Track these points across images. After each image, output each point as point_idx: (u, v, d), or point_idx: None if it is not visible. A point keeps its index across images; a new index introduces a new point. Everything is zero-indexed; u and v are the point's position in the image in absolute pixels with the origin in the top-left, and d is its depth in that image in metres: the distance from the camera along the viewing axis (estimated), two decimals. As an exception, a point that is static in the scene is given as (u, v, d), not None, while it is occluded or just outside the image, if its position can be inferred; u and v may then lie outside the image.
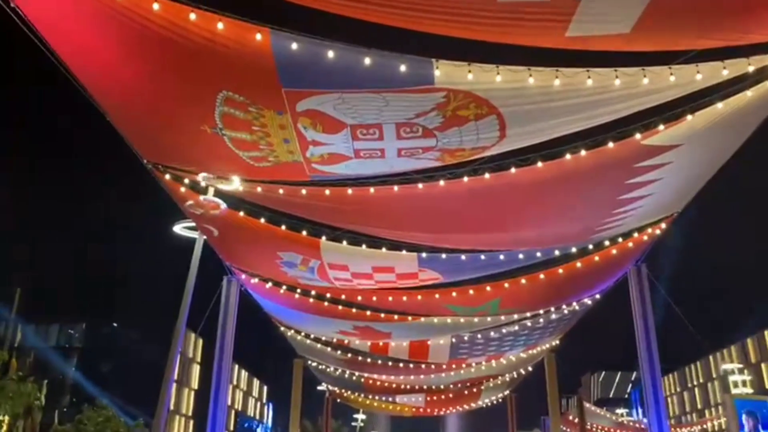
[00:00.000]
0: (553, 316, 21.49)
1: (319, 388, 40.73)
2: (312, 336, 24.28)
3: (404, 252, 13.84)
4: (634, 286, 18.32)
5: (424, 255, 13.84)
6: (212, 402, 18.94)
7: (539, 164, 10.52)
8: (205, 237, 17.88)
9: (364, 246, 13.71)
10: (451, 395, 34.11)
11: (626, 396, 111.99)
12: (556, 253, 14.45)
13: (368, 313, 19.34)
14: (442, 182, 10.96)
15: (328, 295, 17.88)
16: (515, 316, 20.19)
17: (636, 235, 14.80)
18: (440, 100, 8.50)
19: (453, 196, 11.26)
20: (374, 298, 17.37)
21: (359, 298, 17.49)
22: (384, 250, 13.76)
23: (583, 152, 10.35)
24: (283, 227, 13.40)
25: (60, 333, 69.17)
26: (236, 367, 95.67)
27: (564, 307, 20.63)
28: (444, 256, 13.84)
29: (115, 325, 71.30)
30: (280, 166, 10.29)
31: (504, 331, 22.00)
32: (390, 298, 17.24)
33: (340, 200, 11.75)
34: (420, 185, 11.06)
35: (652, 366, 17.80)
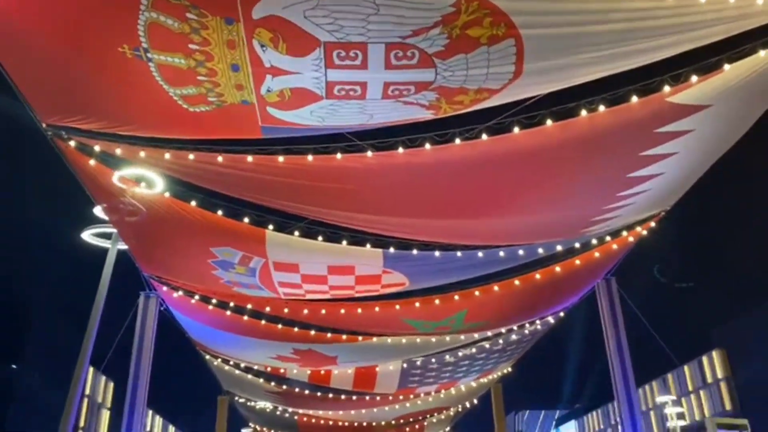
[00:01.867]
0: (513, 337, 19.57)
1: (244, 430, 37.03)
2: (242, 365, 21.21)
3: (368, 247, 11.47)
4: (603, 299, 17.02)
5: (391, 250, 11.52)
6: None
7: (548, 123, 8.55)
8: (119, 245, 14.99)
9: (320, 239, 11.25)
10: (392, 433, 31.38)
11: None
12: (539, 252, 12.48)
13: (312, 332, 16.70)
14: (428, 146, 8.78)
15: (267, 309, 15.16)
16: (475, 336, 18.08)
17: (624, 233, 13.10)
18: (448, 9, 6.39)
19: (440, 167, 9.10)
20: (323, 311, 14.81)
21: (305, 311, 14.88)
22: (344, 244, 11.34)
23: (601, 108, 8.49)
24: (220, 213, 10.77)
25: (-52, 377, 61.48)
26: (150, 412, 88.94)
27: (527, 325, 18.75)
28: (415, 252, 11.57)
29: (13, 367, 64.28)
30: (223, 111, 7.82)
31: (460, 354, 19.83)
32: (342, 311, 14.72)
33: (296, 172, 9.33)
34: (400, 150, 8.83)
35: (626, 380, 16.34)
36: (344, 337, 17.01)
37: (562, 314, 18.99)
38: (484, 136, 8.65)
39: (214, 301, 15.41)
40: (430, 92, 7.45)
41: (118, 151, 9.62)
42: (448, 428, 36.25)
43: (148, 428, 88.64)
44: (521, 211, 10.34)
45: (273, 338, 17.01)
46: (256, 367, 21.05)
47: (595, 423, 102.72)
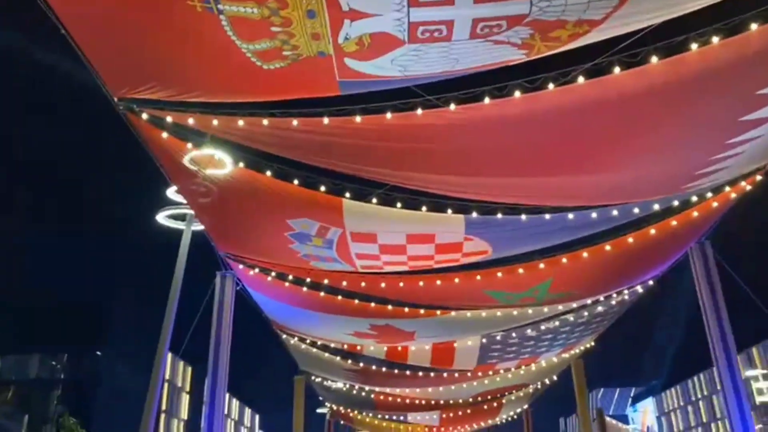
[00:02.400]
0: (599, 309, 18.58)
1: (318, 410, 37.34)
2: (319, 343, 21.08)
3: (449, 213, 10.84)
4: (698, 263, 15.88)
5: (474, 215, 10.84)
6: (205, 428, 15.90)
7: (653, 60, 7.66)
8: (194, 225, 14.93)
9: (399, 205, 10.70)
10: (469, 411, 30.84)
11: (625, 413, 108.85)
12: (635, 212, 11.52)
13: (389, 307, 16.27)
14: (518, 94, 8.04)
15: (344, 283, 14.80)
16: (559, 308, 17.21)
17: (727, 189, 11.97)
18: None
19: (531, 118, 8.34)
20: (401, 284, 14.31)
21: (382, 285, 14.43)
22: (424, 210, 10.75)
23: (714, 40, 7.53)
24: (296, 182, 10.37)
25: (41, 364, 64.95)
26: (227, 395, 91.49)
27: (614, 295, 17.73)
28: (500, 216, 10.86)
29: (98, 353, 67.30)
30: (298, 66, 7.33)
31: (543, 327, 19.01)
32: (420, 283, 14.19)
33: (374, 133, 8.79)
34: (487, 100, 8.12)
35: (726, 346, 15.21)
36: (422, 311, 16.50)
37: (651, 283, 17.89)
38: (581, 80, 7.84)
39: (290, 277, 15.18)
40: (524, 27, 6.71)
41: (191, 121, 9.32)
42: (526, 406, 35.45)
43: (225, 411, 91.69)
44: (620, 166, 9.45)
45: (350, 314, 16.69)
46: (333, 345, 20.87)
47: (673, 400, 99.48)
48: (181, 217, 15.53)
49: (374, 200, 10.62)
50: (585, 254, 13.22)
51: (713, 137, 9.11)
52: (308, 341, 21.13)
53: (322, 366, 24.23)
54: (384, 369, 22.21)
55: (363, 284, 14.51)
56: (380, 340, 19.12)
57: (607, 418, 39.76)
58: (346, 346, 20.77)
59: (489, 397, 29.04)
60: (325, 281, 14.81)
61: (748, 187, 12.40)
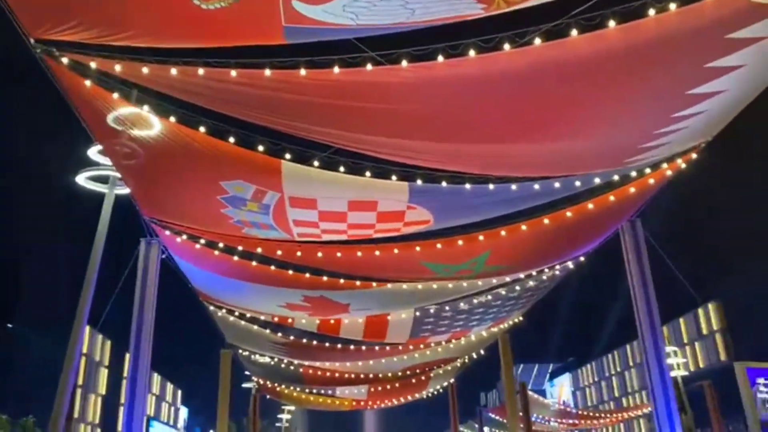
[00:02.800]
0: (531, 283, 18.84)
1: (244, 385, 36.67)
2: (248, 315, 20.42)
3: (394, 180, 10.47)
4: (628, 241, 16.29)
5: (419, 183, 10.51)
6: (126, 411, 15.06)
7: (611, 24, 7.48)
8: (117, 188, 13.94)
9: (341, 170, 10.22)
10: (397, 384, 30.98)
11: (543, 388, 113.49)
12: (577, 185, 11.52)
13: (324, 278, 15.84)
14: (472, 53, 7.69)
15: (279, 252, 14.23)
16: (493, 281, 17.30)
17: (665, 165, 12.16)
18: None
19: (484, 80, 8.03)
20: (338, 254, 13.89)
21: (319, 254, 13.96)
22: (368, 176, 10.33)
23: (672, 6, 7.41)
24: (231, 140, 9.70)
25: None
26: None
27: (546, 270, 17.99)
28: (444, 184, 10.58)
29: (9, 326, 63.67)
30: (241, 8, 6.69)
31: (475, 301, 19.11)
32: (359, 253, 13.82)
33: (319, 89, 8.25)
34: (440, 58, 7.74)
35: (651, 319, 15.75)
36: (358, 283, 16.18)
37: (582, 259, 18.24)
38: (537, 41, 7.58)
39: (220, 245, 14.47)
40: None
41: (118, 68, 8.50)
42: (452, 380, 36.01)
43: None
44: (569, 134, 9.32)
45: (283, 285, 16.16)
46: (262, 318, 20.27)
47: (588, 376, 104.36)
48: (103, 179, 14.50)
49: (316, 163, 10.10)
50: (524, 227, 13.20)
51: (661, 109, 9.10)
52: (237, 313, 20.43)
53: (250, 339, 23.59)
54: (315, 342, 21.81)
55: (299, 254, 14.00)
56: (313, 312, 18.70)
57: (529, 392, 40.98)
58: (276, 319, 20.21)
59: (417, 371, 29.23)
60: (258, 250, 14.19)
61: (683, 165, 12.67)
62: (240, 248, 14.26)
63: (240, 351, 26.60)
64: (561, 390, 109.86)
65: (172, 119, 9.42)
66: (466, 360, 30.60)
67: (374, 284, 16.30)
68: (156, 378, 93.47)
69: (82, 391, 65.54)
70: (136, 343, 15.56)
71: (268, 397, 37.69)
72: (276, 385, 32.51)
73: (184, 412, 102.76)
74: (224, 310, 20.43)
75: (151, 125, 9.70)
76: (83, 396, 65.92)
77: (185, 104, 9.35)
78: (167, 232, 14.55)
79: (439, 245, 13.47)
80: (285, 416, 67.29)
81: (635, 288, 16.16)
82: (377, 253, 13.76)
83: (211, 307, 20.39)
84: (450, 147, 9.36)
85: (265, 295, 17.09)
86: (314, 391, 32.91)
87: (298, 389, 33.03)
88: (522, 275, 17.67)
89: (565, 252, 15.92)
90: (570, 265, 18.54)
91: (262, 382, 32.87)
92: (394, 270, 15.19)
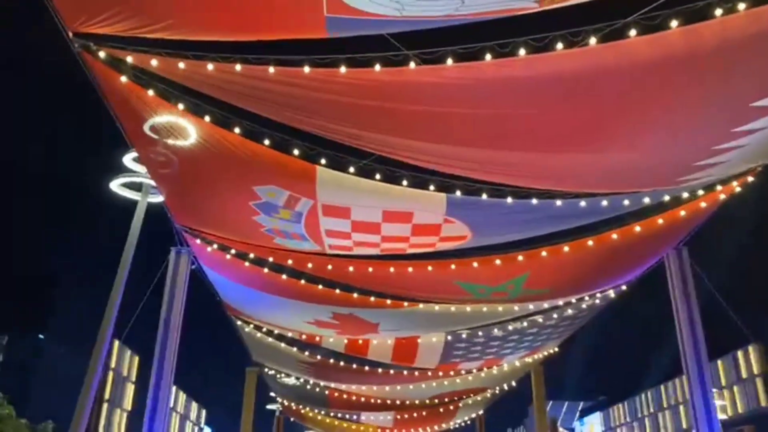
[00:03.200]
0: (569, 312, 18.06)
1: (269, 407, 36.12)
2: (276, 332, 20.03)
3: (431, 190, 10.02)
4: (674, 269, 15.51)
5: (457, 194, 10.04)
6: (147, 427, 14.68)
7: (673, 25, 6.98)
8: (150, 197, 13.80)
9: (378, 177, 9.82)
10: (424, 413, 30.10)
11: (572, 427, 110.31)
12: (625, 204, 10.91)
13: (355, 295, 15.39)
14: (523, 52, 7.27)
15: (309, 265, 13.85)
16: (530, 307, 16.60)
17: (719, 188, 11.49)
18: None
19: (532, 83, 7.59)
20: (370, 269, 13.43)
21: (350, 269, 13.52)
22: (405, 185, 9.91)
23: (741, 6, 6.89)
24: (266, 143, 9.40)
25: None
26: (174, 388, 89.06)
27: (586, 298, 17.23)
28: (484, 197, 10.09)
29: (40, 336, 64.42)
30: (283, -5, 6.41)
31: (510, 328, 18.39)
32: (391, 269, 13.34)
33: (359, 89, 7.90)
34: (488, 57, 7.33)
35: (698, 356, 14.88)
36: (389, 302, 15.67)
37: (624, 288, 17.45)
38: (593, 41, 7.12)
39: (251, 256, 14.17)
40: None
41: (154, 63, 8.30)
42: (481, 411, 34.95)
43: (171, 404, 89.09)
44: (619, 146, 8.77)
45: (312, 300, 15.75)
46: (290, 335, 19.85)
47: (620, 416, 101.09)
48: (136, 187, 14.38)
49: (351, 170, 9.73)
50: (566, 248, 12.59)
51: (721, 122, 8.51)
52: (264, 329, 20.06)
53: (276, 357, 23.17)
54: (342, 363, 21.28)
55: (329, 267, 13.59)
56: (341, 330, 18.22)
57: (559, 428, 39.65)
58: (304, 336, 19.77)
59: (446, 399, 28.38)
60: (289, 262, 13.84)
61: (738, 189, 11.97)
62: (270, 260, 13.92)
63: (266, 370, 26.18)
64: (591, 429, 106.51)
65: (207, 119, 9.17)
66: (497, 391, 29.61)
67: (406, 304, 15.76)
68: (181, 396, 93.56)
69: (108, 406, 65.79)
70: (161, 356, 15.22)
71: (292, 419, 37.05)
72: (300, 407, 31.91)
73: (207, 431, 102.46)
74: (252, 326, 20.09)
75: (187, 133, 9.52)
76: (109, 410, 66.14)
77: (221, 104, 9.11)
78: (198, 241, 14.32)
79: (475, 264, 12.93)
80: (309, 441, 66.35)
81: (681, 321, 15.33)
82: (410, 269, 13.27)
83: (239, 322, 20.07)
84: (493, 154, 8.89)
85: (294, 310, 16.69)
86: (339, 415, 32.17)
87: (322, 413, 32.35)
88: (561, 302, 16.95)
89: (607, 279, 15.20)
90: (611, 294, 17.76)
91: (286, 403, 32.32)
92: (427, 289, 14.65)
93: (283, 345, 20.68)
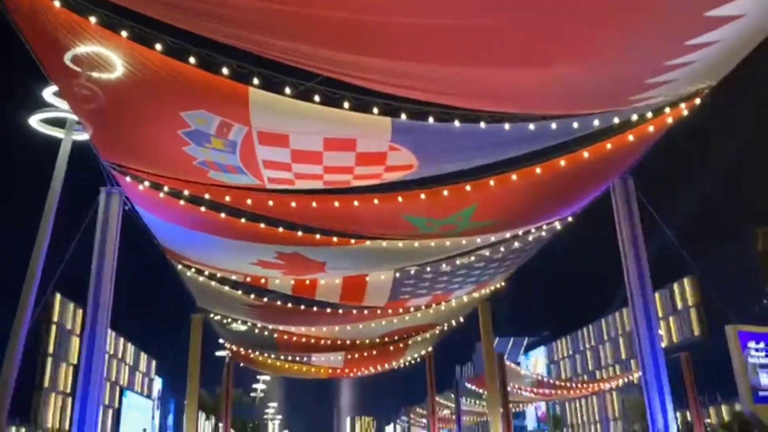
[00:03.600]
0: (516, 245, 18.00)
1: (218, 353, 35.66)
2: (219, 275, 19.35)
3: (375, 113, 9.39)
4: (620, 199, 15.48)
5: (403, 118, 9.45)
6: (83, 373, 13.89)
7: None
8: (75, 133, 12.71)
9: (317, 99, 9.11)
10: (374, 352, 30.22)
11: (518, 362, 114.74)
12: (575, 126, 10.55)
13: (299, 233, 14.81)
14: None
15: (249, 201, 13.13)
16: (477, 240, 16.41)
17: (667, 110, 11.26)
18: None
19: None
20: (314, 204, 12.84)
21: (293, 204, 12.89)
22: (346, 107, 9.23)
23: None
24: (192, 61, 8.53)
25: None
26: (121, 340, 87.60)
27: (532, 230, 17.15)
28: (431, 120, 9.53)
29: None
30: None
31: (458, 263, 18.25)
32: (336, 203, 12.77)
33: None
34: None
35: (643, 283, 14.96)
36: (335, 239, 15.18)
37: (569, 219, 17.43)
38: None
39: (185, 193, 13.33)
40: None
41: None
42: (430, 348, 35.44)
43: (119, 355, 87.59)
44: (572, 58, 8.30)
45: (254, 240, 15.12)
46: (234, 278, 19.23)
47: (563, 349, 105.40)
48: (59, 123, 13.24)
49: (287, 91, 8.98)
50: (514, 177, 12.25)
51: (676, 34, 8.11)
52: (207, 273, 19.35)
53: (221, 302, 22.57)
54: (289, 305, 20.86)
55: (270, 203, 12.91)
56: (287, 271, 17.69)
57: (508, 364, 40.75)
58: (249, 279, 19.18)
59: (395, 337, 28.50)
60: (227, 199, 13.09)
61: (686, 112, 11.77)
62: (207, 196, 13.13)
63: (212, 316, 25.57)
64: (536, 363, 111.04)
65: (124, 35, 8.24)
66: (445, 328, 29.92)
67: (353, 241, 15.31)
68: (129, 348, 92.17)
69: (53, 360, 64.18)
70: (94, 304, 14.39)
71: (242, 365, 36.80)
72: (249, 352, 31.59)
73: (158, 382, 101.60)
74: (193, 270, 19.35)
75: (110, 61, 8.62)
76: (54, 365, 64.59)
77: (139, 17, 8.18)
78: (128, 179, 13.37)
79: (422, 195, 12.48)
80: (260, 386, 66.81)
81: (626, 253, 15.38)
82: (356, 203, 12.73)
83: (179, 266, 19.28)
84: (442, 70, 8.29)
85: (235, 251, 16.03)
86: (289, 358, 32.04)
87: (272, 356, 32.15)
88: (508, 234, 16.82)
89: (554, 208, 15.06)
90: (557, 226, 17.73)
91: (235, 349, 31.93)
92: (374, 224, 14.19)
93: (226, 288, 20.05)
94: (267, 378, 63.35)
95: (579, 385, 49.23)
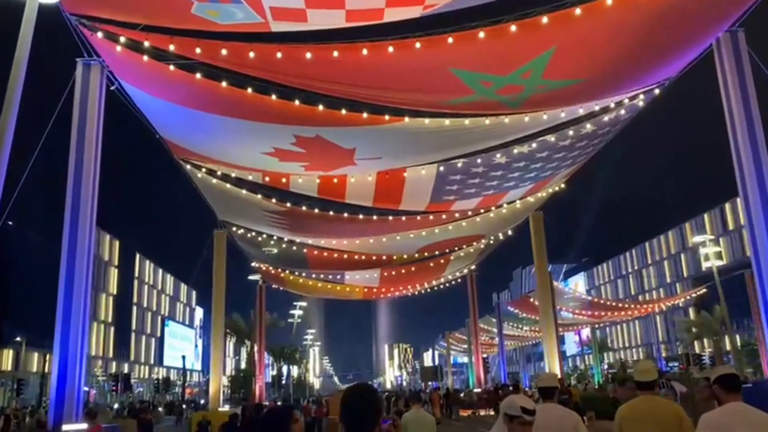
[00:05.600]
0: (588, 127, 14.64)
1: (251, 277, 33.53)
2: (233, 175, 16.51)
3: None
4: (726, 58, 12.21)
5: None
6: (65, 278, 11.42)
7: None
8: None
9: None
10: (413, 268, 27.51)
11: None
12: None
13: (320, 107, 11.70)
14: None
15: (252, 54, 9.98)
16: (544, 116, 13.10)
17: None
18: None
19: None
20: (335, 54, 9.64)
21: (308, 55, 9.72)
22: None
23: None
24: None
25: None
26: (160, 271, 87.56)
27: (611, 105, 13.77)
28: None
29: None
30: None
31: (515, 151, 15.01)
32: (365, 51, 9.53)
33: None
34: None
35: (761, 176, 11.89)
36: (365, 115, 12.05)
37: (657, 92, 13.95)
38: None
39: (171, 48, 10.29)
40: None
41: None
42: (473, 266, 32.67)
43: (159, 286, 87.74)
44: None
45: (266, 118, 12.13)
46: (250, 177, 16.34)
47: (604, 275, 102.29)
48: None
49: None
50: (609, 1, 8.81)
51: None
52: (219, 173, 16.54)
53: (242, 211, 19.92)
54: (316, 210, 18.03)
55: (279, 55, 9.78)
56: (310, 163, 14.68)
57: (556, 284, 38.06)
58: (267, 179, 16.30)
59: (437, 252, 25.66)
60: (223, 52, 9.99)
61: None
62: (198, 51, 10.07)
63: (234, 229, 23.05)
64: (575, 289, 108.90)
65: None
66: (491, 240, 26.91)
67: (387, 117, 12.15)
68: (169, 279, 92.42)
69: (93, 292, 63.90)
70: (74, 194, 11.76)
71: (274, 287, 34.70)
72: (279, 271, 29.21)
73: (199, 312, 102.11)
74: (204, 170, 16.57)
75: None
76: (94, 296, 64.46)
77: None
78: (100, 35, 10.40)
79: (481, 34, 9.14)
80: (297, 312, 65.74)
81: (736, 123, 12.19)
82: (391, 50, 9.47)
83: (188, 167, 16.52)
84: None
85: (245, 135, 13.08)
86: (321, 276, 29.62)
87: (303, 275, 29.78)
88: (581, 111, 13.47)
89: (648, 64, 11.56)
90: (641, 102, 14.28)
91: (264, 268, 29.58)
92: (413, 83, 10.91)
93: (244, 192, 17.24)
94: (304, 304, 62.02)
95: (632, 305, 46.36)
